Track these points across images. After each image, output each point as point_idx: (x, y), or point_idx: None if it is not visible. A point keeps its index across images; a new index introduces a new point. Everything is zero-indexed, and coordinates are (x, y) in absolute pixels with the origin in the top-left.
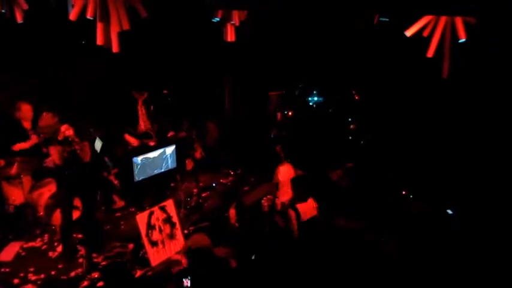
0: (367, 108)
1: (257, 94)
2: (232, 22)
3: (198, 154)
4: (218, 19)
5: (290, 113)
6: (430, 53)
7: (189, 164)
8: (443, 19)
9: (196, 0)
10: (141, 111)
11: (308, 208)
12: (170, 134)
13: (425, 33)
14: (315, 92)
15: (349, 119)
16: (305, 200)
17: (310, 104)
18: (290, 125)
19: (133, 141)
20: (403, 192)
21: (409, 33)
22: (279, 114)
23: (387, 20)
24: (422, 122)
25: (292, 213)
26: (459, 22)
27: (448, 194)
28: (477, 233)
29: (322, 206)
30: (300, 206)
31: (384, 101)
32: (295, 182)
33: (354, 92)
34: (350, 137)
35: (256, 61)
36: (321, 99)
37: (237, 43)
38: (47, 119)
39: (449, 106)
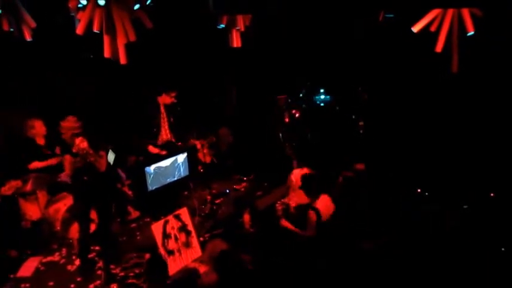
0: (374, 105)
1: (264, 98)
2: (237, 28)
3: (208, 160)
4: (223, 26)
5: (297, 114)
6: (438, 48)
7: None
8: (450, 12)
9: (200, 9)
10: (164, 120)
11: (326, 206)
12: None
13: (433, 28)
14: (322, 90)
15: (357, 117)
16: (318, 198)
17: (318, 103)
18: (298, 126)
19: (156, 152)
20: (418, 191)
21: (416, 28)
22: (286, 116)
23: (392, 16)
24: (432, 119)
25: (312, 214)
26: (466, 15)
27: (462, 192)
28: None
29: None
30: (319, 206)
31: (391, 98)
32: (305, 180)
33: (360, 89)
34: (359, 135)
35: (262, 65)
36: (328, 97)
37: (242, 48)
38: (70, 121)
39: (459, 102)
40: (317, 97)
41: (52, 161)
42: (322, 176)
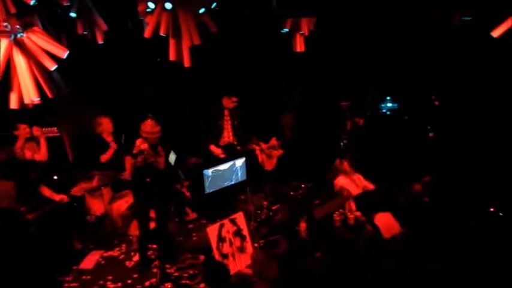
0: (448, 115)
1: (327, 104)
2: (301, 32)
3: (267, 165)
4: (287, 30)
5: (361, 121)
6: (496, 33)
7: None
8: None
9: (264, 12)
10: (227, 122)
11: (388, 225)
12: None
13: None
14: (388, 98)
15: (428, 127)
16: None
17: (383, 111)
18: (361, 135)
19: (218, 152)
20: (491, 209)
21: (496, 33)
22: (348, 123)
23: (470, 19)
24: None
25: (369, 228)
26: None
27: None
28: None
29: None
30: (380, 222)
31: (467, 107)
32: (364, 195)
33: (433, 97)
34: (429, 147)
35: (326, 71)
36: (395, 105)
37: (306, 53)
38: (150, 126)
39: None
40: (383, 105)
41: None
42: (383, 191)
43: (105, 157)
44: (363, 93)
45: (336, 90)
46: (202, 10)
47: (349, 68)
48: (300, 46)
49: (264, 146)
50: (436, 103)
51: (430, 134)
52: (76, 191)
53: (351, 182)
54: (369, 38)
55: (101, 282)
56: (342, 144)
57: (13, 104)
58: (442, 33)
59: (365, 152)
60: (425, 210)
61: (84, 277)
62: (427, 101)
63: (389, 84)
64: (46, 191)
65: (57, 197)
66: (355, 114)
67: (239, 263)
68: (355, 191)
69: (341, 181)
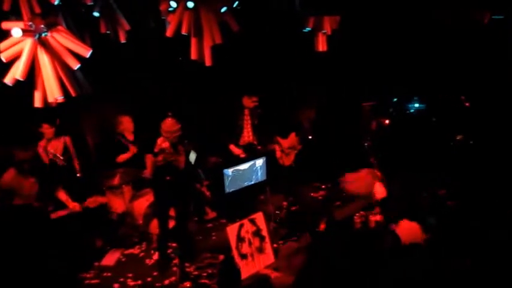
0: (479, 116)
1: (349, 105)
2: (323, 31)
3: (287, 161)
4: (309, 29)
5: (387, 121)
6: None
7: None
8: None
9: (286, 11)
10: (247, 122)
11: (411, 234)
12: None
13: None
14: (415, 98)
15: (457, 129)
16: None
17: (411, 111)
18: (386, 135)
19: (239, 152)
20: None
21: None
22: (373, 123)
23: (502, 17)
24: None
25: (388, 239)
26: None
27: None
28: None
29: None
30: (401, 233)
31: (500, 109)
32: (388, 200)
33: (463, 98)
34: (457, 150)
35: (348, 70)
36: (422, 106)
37: (328, 53)
38: (170, 124)
39: None
40: (410, 105)
41: (132, 151)
42: (407, 194)
43: (123, 157)
44: (388, 93)
45: (360, 90)
46: (224, 9)
47: (373, 67)
48: (322, 45)
49: (285, 144)
50: (467, 104)
51: (459, 137)
52: (90, 202)
53: (380, 186)
54: (395, 37)
55: (121, 279)
56: (365, 145)
57: (37, 102)
58: (473, 31)
59: (390, 153)
60: (450, 214)
61: (105, 274)
62: (456, 102)
63: (416, 84)
64: (62, 195)
65: (71, 205)
66: (380, 114)
67: (258, 264)
68: (380, 194)
69: (377, 188)
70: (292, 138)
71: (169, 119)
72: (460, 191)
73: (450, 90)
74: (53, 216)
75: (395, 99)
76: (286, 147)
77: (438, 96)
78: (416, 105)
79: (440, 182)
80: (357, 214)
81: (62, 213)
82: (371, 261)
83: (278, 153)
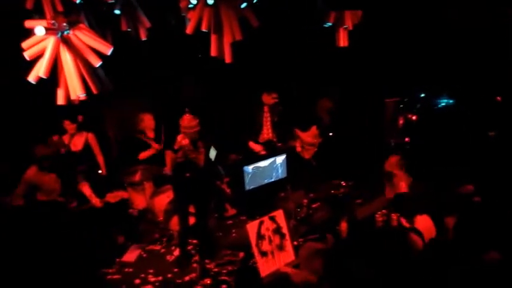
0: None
1: (372, 101)
2: (345, 26)
3: (307, 155)
4: (330, 24)
5: (414, 117)
6: None
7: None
8: None
9: (307, 6)
10: (266, 119)
11: (427, 228)
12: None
13: None
14: (444, 93)
15: (488, 125)
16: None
17: (439, 106)
18: (415, 132)
19: (259, 149)
20: None
21: None
22: (400, 120)
23: None
24: None
25: (414, 238)
26: None
27: None
28: None
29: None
30: (421, 228)
31: None
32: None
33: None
34: (489, 148)
35: (371, 66)
36: (451, 101)
37: (350, 48)
38: (188, 120)
39: None
40: (439, 100)
41: (156, 147)
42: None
43: (144, 155)
44: (415, 89)
45: (382, 87)
46: (244, 5)
47: (397, 63)
48: (343, 41)
49: (305, 138)
50: (499, 99)
51: (491, 133)
52: (111, 197)
53: (405, 177)
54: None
55: (142, 275)
56: (391, 142)
57: (60, 100)
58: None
59: (418, 150)
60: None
61: (126, 270)
62: (487, 97)
63: (445, 79)
64: (87, 190)
65: (94, 200)
66: (407, 110)
67: (278, 261)
68: (401, 189)
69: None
70: (313, 131)
71: (187, 115)
72: (488, 187)
73: (481, 85)
74: (76, 210)
75: (422, 95)
76: (307, 141)
77: (469, 91)
78: (445, 100)
79: (469, 178)
80: (379, 212)
81: (83, 208)
82: (399, 268)
83: (298, 148)
